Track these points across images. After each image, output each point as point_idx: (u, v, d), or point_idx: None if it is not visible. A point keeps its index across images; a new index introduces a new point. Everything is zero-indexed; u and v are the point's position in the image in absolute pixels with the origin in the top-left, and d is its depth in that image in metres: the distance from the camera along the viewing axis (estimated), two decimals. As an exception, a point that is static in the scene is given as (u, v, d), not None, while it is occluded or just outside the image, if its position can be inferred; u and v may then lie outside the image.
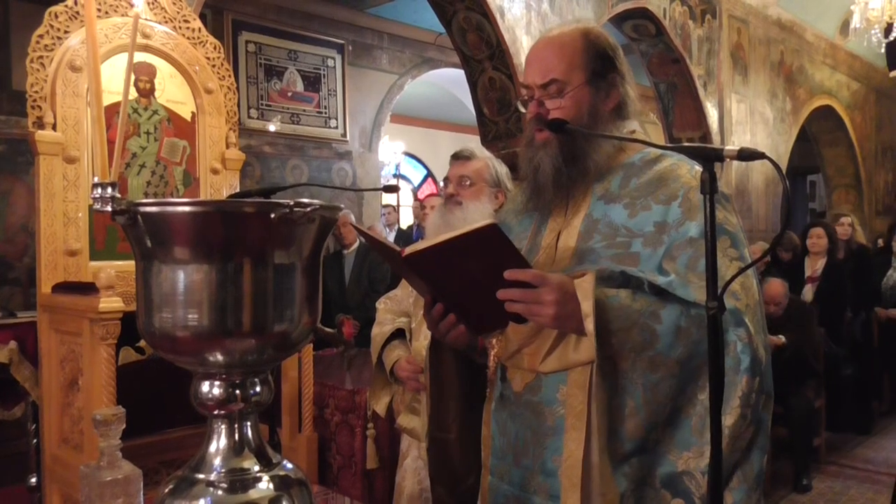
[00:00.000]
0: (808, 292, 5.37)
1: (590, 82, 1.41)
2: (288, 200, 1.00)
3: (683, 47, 6.55)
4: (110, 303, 2.28)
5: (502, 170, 2.17)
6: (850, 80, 10.01)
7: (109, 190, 0.99)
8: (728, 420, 1.19)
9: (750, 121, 7.71)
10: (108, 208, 1.00)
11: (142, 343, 2.93)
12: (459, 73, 5.67)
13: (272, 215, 1.01)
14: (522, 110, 1.48)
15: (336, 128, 7.35)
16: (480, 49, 4.79)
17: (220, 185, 3.18)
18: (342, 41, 7.38)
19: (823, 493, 4.42)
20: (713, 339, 1.08)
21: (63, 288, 2.62)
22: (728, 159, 1.03)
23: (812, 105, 9.06)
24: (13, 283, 4.98)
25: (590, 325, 1.19)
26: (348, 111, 7.45)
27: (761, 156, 1.01)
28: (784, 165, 8.54)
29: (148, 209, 1.03)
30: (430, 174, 12.31)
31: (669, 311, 1.23)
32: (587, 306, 1.19)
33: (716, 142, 7.04)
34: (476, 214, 1.91)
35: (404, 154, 10.56)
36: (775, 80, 8.22)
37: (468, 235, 1.17)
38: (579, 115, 1.39)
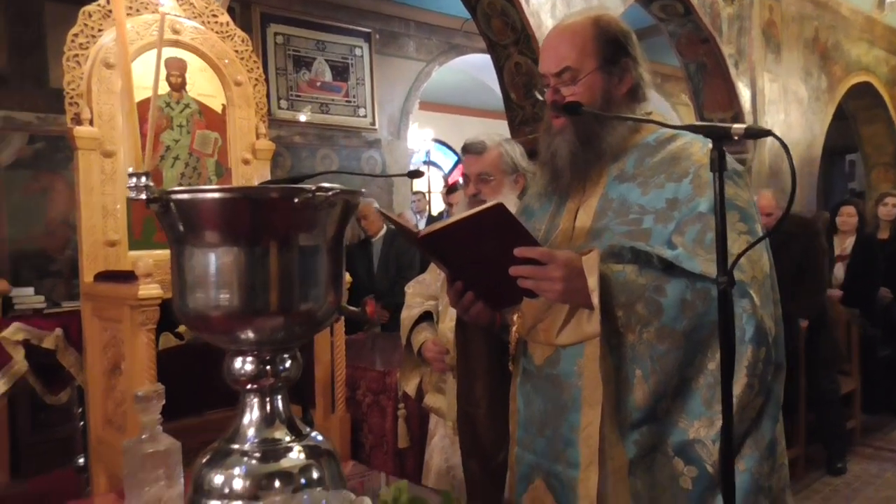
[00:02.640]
0: (838, 271, 5.29)
1: (602, 68, 1.45)
2: (310, 185, 1.06)
3: (713, 26, 6.46)
4: (149, 290, 2.38)
5: (516, 151, 2.17)
6: (888, 56, 9.75)
7: (144, 179, 1.06)
8: (735, 389, 1.22)
9: (783, 100, 7.58)
10: (143, 196, 1.07)
11: (181, 329, 3.03)
12: (486, 59, 5.69)
13: (296, 200, 1.06)
14: (541, 98, 1.52)
15: (365, 116, 7.41)
16: (506, 34, 4.79)
17: (252, 176, 3.26)
18: (369, 30, 7.43)
19: (859, 476, 4.38)
20: (724, 312, 1.11)
21: (104, 277, 2.73)
22: (735, 137, 1.06)
23: (849, 82, 8.86)
24: (55, 275, 5.15)
25: (595, 298, 1.24)
26: (376, 100, 7.51)
27: (767, 133, 1.04)
28: (820, 145, 8.38)
29: (179, 196, 1.09)
30: (460, 160, 12.34)
31: (675, 284, 1.27)
32: (592, 281, 1.24)
33: (748, 122, 6.93)
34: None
35: (434, 141, 10.60)
36: (809, 58, 8.06)
37: (478, 215, 1.23)
38: (593, 100, 1.44)
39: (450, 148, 12.16)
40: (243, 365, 1.20)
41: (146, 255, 2.84)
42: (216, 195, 1.09)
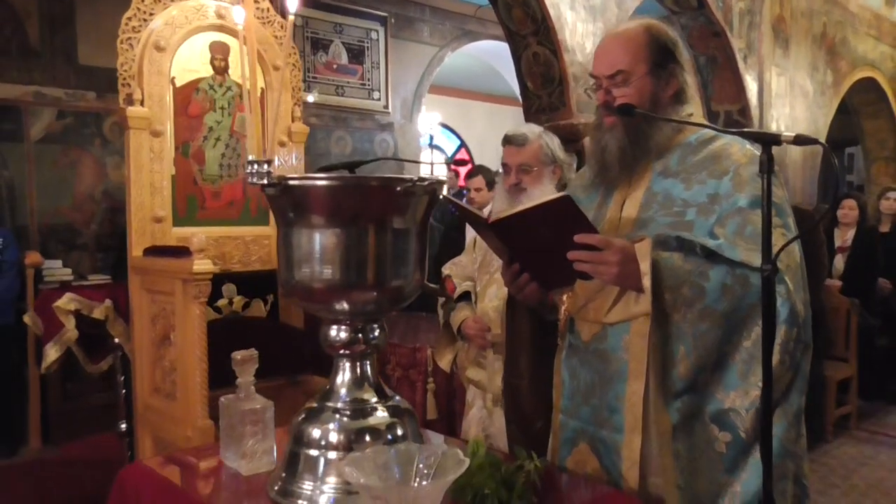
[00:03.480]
0: (838, 262, 5.47)
1: (651, 72, 1.59)
2: (412, 176, 1.21)
3: (724, 20, 6.57)
4: (203, 265, 2.52)
5: (555, 143, 2.29)
6: (894, 52, 9.88)
7: (266, 166, 1.20)
8: None
9: (790, 94, 7.71)
10: (263, 181, 1.21)
11: (219, 303, 3.19)
12: (497, 45, 5.81)
13: (398, 188, 1.21)
14: (591, 97, 1.66)
15: (379, 99, 7.52)
16: (525, 24, 4.90)
17: (287, 157, 3.40)
18: (385, 14, 7.52)
19: (854, 457, 4.59)
20: (767, 296, 1.27)
21: (152, 252, 2.87)
22: (785, 143, 1.20)
23: (854, 77, 8.99)
24: (81, 249, 5.28)
25: (647, 282, 1.39)
26: (390, 83, 7.62)
27: (815, 141, 1.19)
28: (823, 138, 8.53)
29: (294, 183, 1.24)
30: (463, 144, 12.42)
31: (717, 270, 1.43)
32: (645, 266, 1.39)
33: (754, 115, 7.06)
34: (545, 196, 2.06)
35: (438, 125, 10.68)
36: (817, 53, 8.18)
37: (545, 205, 1.37)
38: (642, 101, 1.58)
39: (453, 132, 12.24)
40: (338, 333, 1.35)
41: (190, 231, 2.98)
42: (326, 183, 1.24)
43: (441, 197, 1.40)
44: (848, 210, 5.63)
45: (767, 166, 1.22)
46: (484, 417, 2.36)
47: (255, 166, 1.22)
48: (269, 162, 1.21)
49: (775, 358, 1.41)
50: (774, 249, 1.33)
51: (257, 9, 3.30)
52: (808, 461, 4.34)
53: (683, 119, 1.62)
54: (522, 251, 1.55)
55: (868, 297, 5.32)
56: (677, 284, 1.44)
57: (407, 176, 1.21)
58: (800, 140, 1.16)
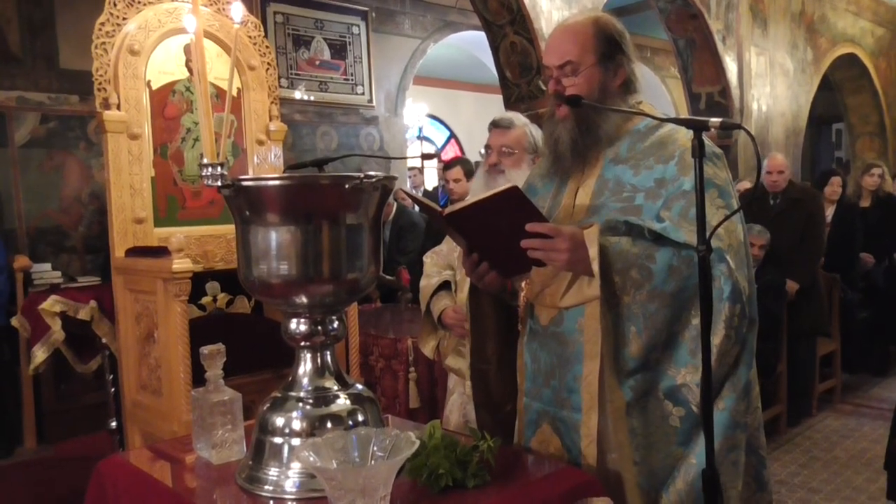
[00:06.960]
0: (823, 238, 5.54)
1: (599, 63, 1.65)
2: (359, 174, 1.26)
3: (702, 2, 6.62)
4: (183, 264, 2.57)
5: (538, 134, 2.34)
6: (874, 27, 9.93)
7: (219, 169, 1.26)
8: (715, 340, 1.44)
9: (770, 73, 7.77)
10: (218, 183, 1.27)
11: (203, 300, 3.25)
12: (480, 35, 5.84)
13: (346, 186, 1.27)
14: (544, 88, 1.72)
15: (362, 94, 7.56)
16: (501, 15, 4.95)
17: (266, 155, 3.45)
18: (366, 8, 7.55)
19: (837, 430, 4.68)
20: (703, 274, 1.33)
21: (134, 252, 2.92)
22: (712, 129, 1.26)
23: (834, 54, 9.04)
24: (70, 251, 5.34)
25: (595, 266, 1.45)
26: (374, 77, 7.65)
27: (738, 126, 1.25)
28: (805, 116, 8.60)
29: (247, 184, 1.29)
30: (452, 135, 12.46)
31: (663, 252, 1.49)
32: (593, 252, 1.45)
33: (734, 95, 7.13)
34: (518, 182, 2.10)
35: (427, 116, 10.72)
36: (796, 31, 8.23)
37: (495, 196, 1.43)
38: (591, 91, 1.63)
39: (442, 123, 12.28)
40: (298, 325, 1.41)
41: (171, 231, 3.04)
42: (278, 182, 1.29)
43: (397, 189, 1.46)
44: (836, 187, 5.69)
45: (699, 151, 1.28)
46: (465, 403, 2.42)
47: (210, 169, 1.27)
48: (223, 164, 1.26)
49: (721, 334, 1.48)
50: (718, 230, 1.39)
51: (230, 9, 3.34)
52: (794, 436, 4.40)
53: (631, 107, 1.68)
54: (479, 241, 1.61)
55: (849, 271, 5.39)
56: (626, 267, 1.50)
57: (355, 174, 1.27)
58: (725, 125, 1.22)
